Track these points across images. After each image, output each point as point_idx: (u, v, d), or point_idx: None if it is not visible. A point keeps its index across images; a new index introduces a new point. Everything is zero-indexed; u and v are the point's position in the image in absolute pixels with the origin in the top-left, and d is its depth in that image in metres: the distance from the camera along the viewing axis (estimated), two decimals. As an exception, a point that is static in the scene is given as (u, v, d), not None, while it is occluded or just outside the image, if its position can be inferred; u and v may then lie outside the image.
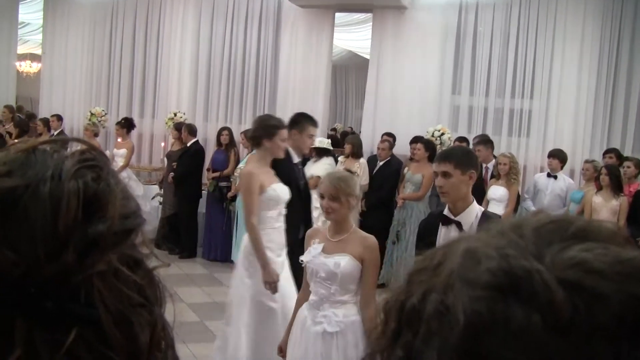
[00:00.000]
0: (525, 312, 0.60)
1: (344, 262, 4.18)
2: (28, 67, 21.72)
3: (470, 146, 9.97)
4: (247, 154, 10.39)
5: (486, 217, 4.19)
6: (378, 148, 10.20)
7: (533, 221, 0.68)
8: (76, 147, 0.90)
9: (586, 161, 9.57)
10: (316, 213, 9.95)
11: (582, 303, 0.59)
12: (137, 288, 0.86)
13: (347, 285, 4.23)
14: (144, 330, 0.85)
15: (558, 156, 9.53)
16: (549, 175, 9.53)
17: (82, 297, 0.79)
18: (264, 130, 5.57)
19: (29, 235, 0.79)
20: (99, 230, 0.81)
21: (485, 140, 9.83)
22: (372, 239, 4.33)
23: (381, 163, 10.07)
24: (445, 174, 4.13)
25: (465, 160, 4.22)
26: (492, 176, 9.21)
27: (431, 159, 9.37)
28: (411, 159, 9.82)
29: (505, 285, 0.62)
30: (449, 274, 0.65)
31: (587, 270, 0.61)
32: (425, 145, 9.43)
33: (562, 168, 9.59)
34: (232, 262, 10.24)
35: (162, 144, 12.81)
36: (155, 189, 11.45)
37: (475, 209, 4.25)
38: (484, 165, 9.66)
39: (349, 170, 9.60)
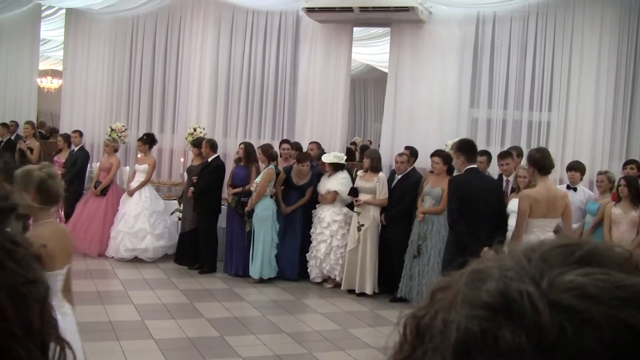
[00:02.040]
0: (513, 333, 0.62)
1: None
2: (49, 83, 21.92)
3: (495, 159, 9.99)
4: (264, 168, 10.45)
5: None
6: (396, 162, 10.21)
7: (546, 245, 0.70)
8: None
9: (600, 172, 9.50)
10: (335, 226, 10.03)
11: (570, 326, 0.61)
12: (26, 264, 0.90)
13: None
14: (36, 304, 0.90)
15: (579, 169, 9.50)
16: (568, 187, 9.49)
17: None
18: None
19: None
20: None
21: (512, 154, 9.84)
22: None
23: (399, 176, 10.07)
24: None
25: None
26: (513, 189, 9.19)
27: (450, 172, 9.38)
28: (431, 172, 9.82)
29: (499, 306, 0.64)
30: (456, 293, 0.68)
31: (580, 295, 0.63)
32: (444, 159, 9.42)
33: (581, 180, 9.57)
34: (251, 277, 10.33)
35: (182, 159, 12.89)
36: (175, 204, 11.51)
37: None
38: (504, 178, 9.65)
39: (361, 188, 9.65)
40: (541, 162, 6.80)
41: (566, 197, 7.17)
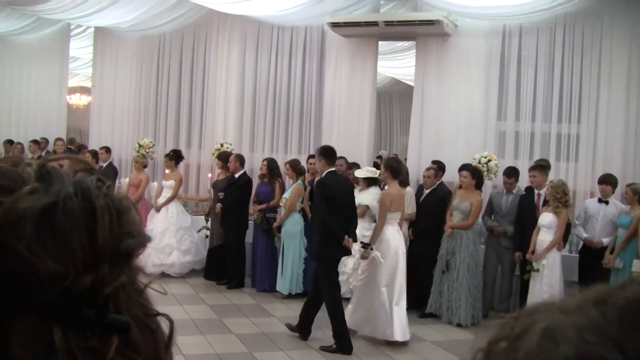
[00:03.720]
0: None
1: None
2: (78, 100, 22.17)
3: (525, 172, 9.91)
4: (292, 184, 10.44)
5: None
6: (423, 176, 10.16)
7: (620, 298, 0.62)
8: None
9: (627, 185, 9.37)
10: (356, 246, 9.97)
11: None
12: (146, 295, 0.91)
13: None
14: (162, 336, 0.91)
15: (610, 181, 9.36)
16: (600, 200, 9.37)
17: (112, 307, 0.83)
18: None
19: (68, 248, 0.82)
20: (130, 244, 0.86)
21: (540, 166, 9.74)
22: None
23: (427, 191, 10.02)
24: None
25: None
26: (545, 202, 9.09)
27: (478, 186, 9.31)
28: (459, 187, 9.76)
29: None
30: (526, 356, 0.62)
31: None
32: (472, 173, 9.36)
33: (613, 192, 9.43)
34: (279, 292, 10.31)
35: (209, 175, 12.93)
36: (202, 219, 11.54)
37: None
38: (536, 192, 9.56)
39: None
40: (396, 170, 8.39)
41: (404, 196, 8.81)
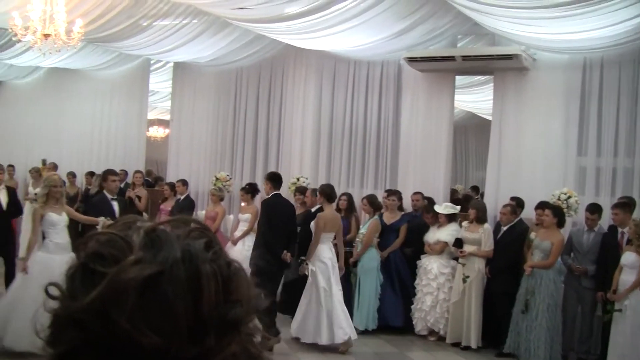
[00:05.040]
0: None
1: None
2: (156, 132, 22.68)
3: (607, 210, 9.66)
4: (369, 219, 10.41)
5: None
6: (501, 213, 10.02)
7: None
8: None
9: None
10: (442, 279, 9.86)
11: None
12: None
13: None
14: None
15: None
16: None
17: None
18: None
19: (172, 319, 0.82)
20: (238, 313, 0.85)
21: (622, 204, 9.44)
22: None
23: (505, 228, 9.86)
24: None
25: None
26: (628, 241, 8.81)
27: (560, 225, 9.10)
28: (537, 224, 9.56)
29: None
30: None
31: None
32: (554, 212, 9.16)
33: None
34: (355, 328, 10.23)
35: (285, 209, 12.97)
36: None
37: None
38: (619, 230, 9.29)
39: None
40: (330, 195, 9.58)
41: (339, 218, 9.85)
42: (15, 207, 10.70)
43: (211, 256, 0.87)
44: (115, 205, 9.60)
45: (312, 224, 9.50)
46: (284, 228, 9.32)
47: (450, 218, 10.14)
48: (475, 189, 16.65)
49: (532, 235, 9.46)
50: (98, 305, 0.83)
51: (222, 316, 0.85)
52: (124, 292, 0.82)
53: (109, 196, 9.71)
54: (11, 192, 10.65)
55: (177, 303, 0.83)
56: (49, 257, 7.98)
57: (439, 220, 10.22)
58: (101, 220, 8.41)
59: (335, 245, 9.57)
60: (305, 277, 10.36)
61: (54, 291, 0.90)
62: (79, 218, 8.93)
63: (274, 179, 9.81)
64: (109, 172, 10.23)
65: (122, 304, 0.82)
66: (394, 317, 10.36)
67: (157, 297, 0.82)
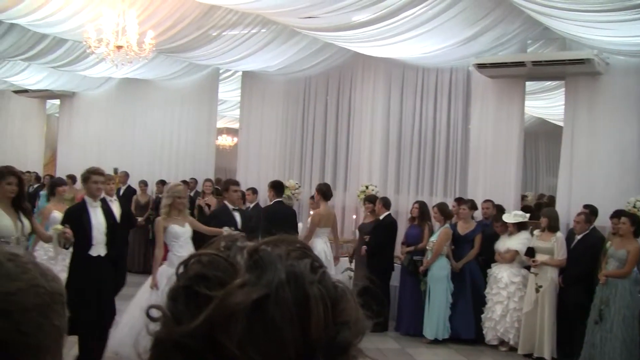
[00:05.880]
0: None
1: None
2: (224, 141, 22.94)
3: None
4: (440, 228, 10.33)
5: None
6: (574, 221, 9.81)
7: None
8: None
9: None
10: (512, 288, 9.72)
11: None
12: None
13: None
14: None
15: None
16: None
17: None
18: None
19: (280, 343, 0.80)
20: (346, 336, 0.84)
21: None
22: None
23: (579, 237, 9.65)
24: None
25: None
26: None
27: (637, 233, 8.87)
28: (613, 233, 9.33)
29: None
30: None
31: None
32: (632, 220, 8.92)
33: None
34: (424, 336, 10.17)
35: (354, 217, 12.97)
36: (345, 261, 11.57)
37: None
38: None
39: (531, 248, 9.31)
40: (326, 193, 10.44)
41: (334, 214, 10.73)
42: (129, 219, 10.87)
43: (318, 277, 0.86)
44: (237, 215, 9.18)
45: (309, 219, 10.29)
46: (285, 231, 9.47)
47: (521, 226, 9.98)
48: (549, 197, 16.33)
49: (608, 244, 9.23)
50: (205, 329, 0.82)
51: (330, 340, 0.83)
52: (232, 317, 0.81)
53: (230, 207, 9.25)
54: (124, 204, 10.81)
55: (285, 327, 0.81)
56: (173, 272, 7.79)
57: (508, 228, 10.08)
58: (225, 230, 8.20)
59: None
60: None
61: (155, 314, 0.90)
62: (202, 229, 8.37)
63: (276, 187, 10.51)
64: (230, 182, 9.80)
65: (231, 328, 0.80)
66: (466, 329, 10.23)
67: (265, 321, 0.81)
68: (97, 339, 7.27)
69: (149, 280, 7.93)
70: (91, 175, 7.39)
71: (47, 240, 7.30)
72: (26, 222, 6.62)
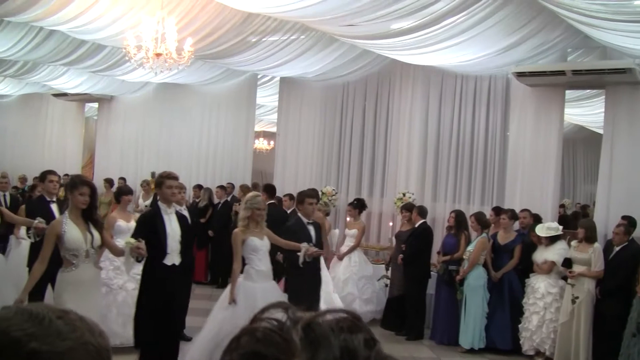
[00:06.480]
0: None
1: None
2: (261, 145, 23.08)
3: None
4: (477, 237, 10.31)
5: None
6: (613, 232, 9.74)
7: None
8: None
9: None
10: (549, 298, 9.64)
11: None
12: None
13: None
14: None
15: None
16: None
17: None
18: None
19: None
20: None
21: None
22: None
23: (617, 248, 9.57)
24: None
25: None
26: None
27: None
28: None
29: None
30: None
31: None
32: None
33: None
34: (459, 345, 10.16)
35: (390, 224, 12.98)
36: (382, 268, 11.60)
37: None
38: None
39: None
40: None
41: (322, 217, 10.92)
42: (196, 228, 11.01)
43: (374, 355, 0.85)
44: (312, 229, 8.63)
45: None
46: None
47: (554, 237, 9.92)
48: (583, 207, 16.23)
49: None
50: None
51: None
52: None
53: (305, 220, 8.66)
54: (191, 210, 10.90)
55: None
56: (251, 286, 7.47)
57: (541, 240, 10.04)
58: (304, 246, 8.04)
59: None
60: (403, 295, 10.47)
61: None
62: (281, 243, 8.12)
63: (269, 190, 11.35)
64: (305, 195, 9.00)
65: None
66: (502, 339, 10.20)
67: None
68: (165, 349, 7.05)
69: (224, 295, 7.65)
70: (165, 179, 7.13)
71: (119, 254, 7.02)
72: (96, 234, 6.47)
